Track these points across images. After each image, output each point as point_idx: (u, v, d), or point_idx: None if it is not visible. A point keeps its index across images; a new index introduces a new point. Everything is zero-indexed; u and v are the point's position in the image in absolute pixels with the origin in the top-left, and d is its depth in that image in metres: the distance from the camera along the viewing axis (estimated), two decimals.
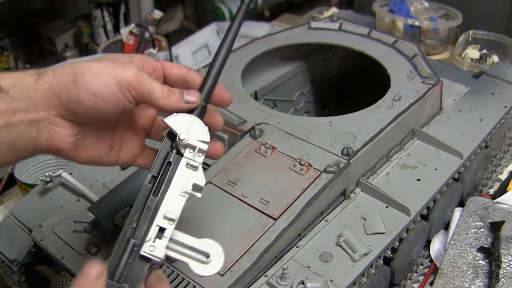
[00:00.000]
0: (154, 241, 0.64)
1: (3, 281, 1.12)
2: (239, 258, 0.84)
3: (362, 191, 1.03)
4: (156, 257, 0.63)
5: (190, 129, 0.68)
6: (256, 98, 1.36)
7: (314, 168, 0.97)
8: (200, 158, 0.68)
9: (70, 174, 1.09)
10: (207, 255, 0.65)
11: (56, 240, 0.97)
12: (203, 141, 0.68)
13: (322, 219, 0.98)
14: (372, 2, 1.94)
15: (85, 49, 2.30)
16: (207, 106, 0.73)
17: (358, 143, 1.02)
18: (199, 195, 0.67)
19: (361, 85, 1.49)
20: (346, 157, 0.98)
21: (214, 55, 0.75)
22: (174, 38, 2.02)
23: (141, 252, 0.63)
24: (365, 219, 0.97)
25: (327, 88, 1.58)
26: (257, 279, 0.87)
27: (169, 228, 0.64)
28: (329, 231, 0.95)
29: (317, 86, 1.55)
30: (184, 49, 1.91)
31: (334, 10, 2.11)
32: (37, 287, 1.10)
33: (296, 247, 0.93)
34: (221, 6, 2.59)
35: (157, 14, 1.98)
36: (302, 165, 0.97)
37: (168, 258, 0.65)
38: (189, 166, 0.68)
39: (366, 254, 0.90)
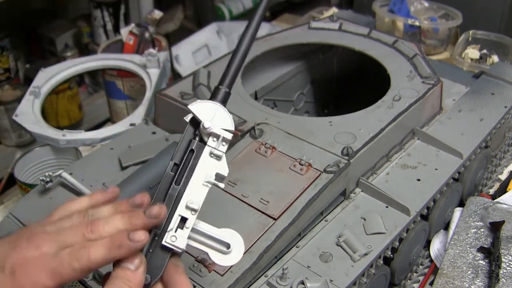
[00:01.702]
0: (176, 231, 0.63)
1: None
2: None
3: (362, 191, 1.03)
4: (178, 247, 0.63)
5: (214, 117, 0.66)
6: (256, 98, 1.36)
7: (314, 168, 0.97)
8: (224, 148, 0.67)
9: (70, 174, 1.09)
10: (227, 246, 0.64)
11: None
12: (227, 130, 0.66)
13: (322, 219, 0.98)
14: (372, 2, 1.94)
15: (85, 49, 2.30)
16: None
17: (358, 143, 1.02)
18: (222, 185, 0.66)
19: (361, 85, 1.49)
20: (346, 157, 0.98)
21: (239, 40, 0.73)
22: (174, 38, 2.01)
23: (163, 242, 0.62)
24: (365, 219, 0.97)
25: (327, 88, 1.58)
26: (257, 279, 0.87)
27: (191, 218, 0.63)
28: (329, 231, 0.95)
29: (317, 86, 1.55)
30: (184, 49, 1.91)
31: (334, 10, 2.10)
32: None
33: (296, 247, 0.93)
34: (221, 6, 2.58)
35: (157, 14, 1.98)
36: (302, 165, 0.97)
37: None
38: (212, 155, 0.66)
39: (366, 254, 0.90)
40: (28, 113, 1.36)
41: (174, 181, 0.65)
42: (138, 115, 1.34)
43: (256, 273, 0.86)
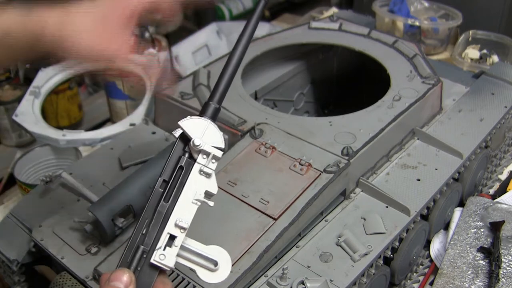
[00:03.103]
0: (164, 249, 0.62)
1: (3, 281, 1.12)
2: (239, 258, 0.84)
3: (362, 191, 1.03)
4: (167, 266, 0.62)
5: (204, 133, 0.66)
6: (256, 98, 1.36)
7: (314, 168, 0.97)
8: (214, 165, 0.66)
9: (70, 174, 1.09)
10: (215, 263, 0.64)
11: (56, 240, 0.97)
12: (217, 148, 0.66)
13: (322, 219, 0.98)
14: (372, 2, 1.94)
15: None
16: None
17: (358, 143, 1.02)
18: (211, 203, 0.66)
19: (361, 85, 1.49)
20: (346, 157, 0.98)
21: (230, 53, 0.73)
22: (174, 38, 2.01)
23: (152, 261, 0.62)
24: (365, 219, 0.97)
25: (327, 88, 1.58)
26: (257, 279, 0.87)
27: (180, 236, 0.63)
28: (329, 231, 0.95)
29: (317, 86, 1.55)
30: (184, 49, 1.91)
31: (334, 10, 2.10)
32: (37, 287, 1.10)
33: (296, 247, 0.93)
34: (221, 6, 2.58)
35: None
36: (302, 165, 0.97)
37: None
38: (202, 172, 0.66)
39: (366, 254, 0.90)
40: (28, 113, 1.36)
41: (163, 198, 0.65)
42: (138, 115, 1.35)
43: (256, 273, 0.87)
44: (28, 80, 1.86)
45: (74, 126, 1.93)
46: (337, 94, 1.60)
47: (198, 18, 2.56)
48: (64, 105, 1.91)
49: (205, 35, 1.97)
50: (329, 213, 0.99)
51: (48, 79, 1.47)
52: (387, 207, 0.99)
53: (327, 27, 1.44)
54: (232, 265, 0.83)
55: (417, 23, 1.85)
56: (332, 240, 0.93)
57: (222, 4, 2.59)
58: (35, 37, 0.72)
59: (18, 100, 1.54)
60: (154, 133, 1.21)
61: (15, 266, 1.02)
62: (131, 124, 1.30)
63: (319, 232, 0.95)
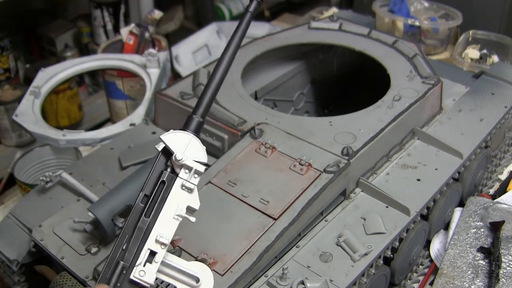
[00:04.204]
0: (144, 265, 0.62)
1: (3, 281, 1.12)
2: (239, 258, 0.84)
3: (362, 191, 1.03)
4: (147, 282, 0.62)
5: (187, 148, 0.66)
6: (256, 98, 1.36)
7: (314, 168, 0.97)
8: (196, 180, 0.66)
9: (70, 174, 1.09)
10: (197, 280, 0.64)
11: (56, 240, 0.97)
12: (200, 162, 0.66)
13: (322, 219, 0.98)
14: (372, 2, 1.94)
15: (85, 49, 2.30)
16: None
17: (358, 143, 1.02)
18: (193, 219, 0.65)
19: (361, 85, 1.49)
20: (346, 157, 0.98)
21: (214, 67, 0.72)
22: (174, 38, 2.02)
23: (131, 277, 0.62)
24: (365, 219, 0.97)
25: (327, 88, 1.58)
26: (257, 279, 0.87)
27: (161, 252, 0.63)
28: (329, 231, 0.95)
29: (317, 86, 1.55)
30: (184, 49, 1.91)
31: (334, 10, 2.10)
32: (37, 287, 1.10)
33: (296, 247, 0.93)
34: (221, 6, 2.58)
35: (157, 14, 1.98)
36: (302, 165, 0.97)
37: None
38: (184, 187, 0.65)
39: (366, 254, 0.90)
40: (28, 113, 1.36)
41: (144, 213, 0.64)
42: (138, 115, 1.34)
43: (256, 273, 0.86)
44: (28, 80, 1.86)
45: (74, 126, 1.93)
46: (337, 94, 1.60)
47: (198, 18, 2.56)
48: (64, 105, 1.91)
49: (205, 35, 1.97)
50: (329, 213, 0.99)
51: (48, 79, 1.47)
52: (387, 207, 0.99)
53: (327, 27, 1.44)
54: (232, 265, 0.84)
55: (417, 23, 1.85)
56: (332, 240, 0.93)
57: (222, 4, 2.60)
58: None
59: (18, 100, 1.54)
60: (154, 133, 1.21)
61: (15, 266, 1.02)
62: (131, 124, 1.30)
63: (319, 232, 0.95)
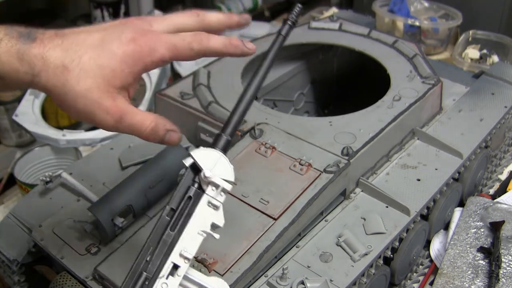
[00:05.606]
0: (167, 278, 0.63)
1: (3, 281, 1.12)
2: (239, 258, 0.84)
3: (362, 191, 1.03)
4: None
5: (215, 165, 0.66)
6: (256, 98, 1.36)
7: (314, 168, 0.97)
8: (222, 198, 0.66)
9: (70, 174, 1.09)
10: None
11: (56, 240, 0.97)
12: (227, 181, 0.66)
13: (322, 219, 0.98)
14: (372, 2, 1.94)
15: None
16: None
17: (358, 143, 1.02)
18: (217, 236, 0.66)
19: (361, 85, 1.49)
20: (346, 157, 0.98)
21: (244, 88, 0.73)
22: None
23: None
24: (365, 219, 0.97)
25: (327, 88, 1.58)
26: (257, 279, 0.87)
27: (184, 266, 0.63)
28: (329, 231, 0.95)
29: (317, 86, 1.55)
30: None
31: (334, 10, 2.11)
32: (37, 287, 1.10)
33: (296, 247, 0.93)
34: (221, 6, 2.58)
35: (157, 14, 1.98)
36: (302, 165, 0.97)
37: None
38: (210, 204, 0.66)
39: (366, 254, 0.90)
40: (28, 113, 1.36)
41: (169, 227, 0.65)
42: None
43: (256, 273, 0.86)
44: None
45: (74, 126, 1.93)
46: (337, 94, 1.60)
47: None
48: None
49: None
50: (329, 213, 0.99)
51: None
52: (387, 207, 0.99)
53: (327, 27, 1.44)
54: (232, 265, 0.84)
55: (417, 23, 1.85)
56: (332, 240, 0.93)
57: (222, 4, 2.60)
58: (30, 80, 0.63)
59: (18, 100, 1.54)
60: None
61: (15, 266, 1.02)
62: None
63: (319, 232, 0.95)
